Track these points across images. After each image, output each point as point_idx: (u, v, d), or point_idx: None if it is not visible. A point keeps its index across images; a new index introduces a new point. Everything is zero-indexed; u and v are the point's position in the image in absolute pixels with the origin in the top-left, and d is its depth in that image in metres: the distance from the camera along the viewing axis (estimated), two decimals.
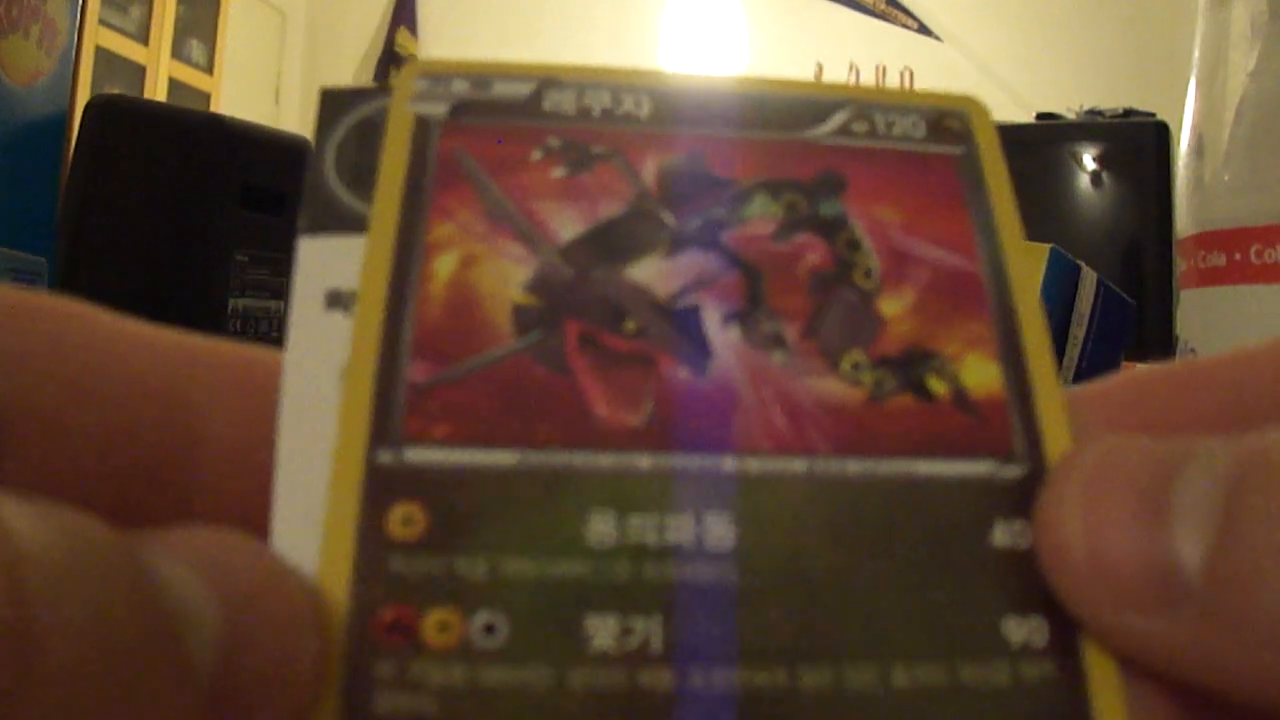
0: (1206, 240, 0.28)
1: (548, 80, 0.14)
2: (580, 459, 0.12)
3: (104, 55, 2.64)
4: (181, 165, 0.53)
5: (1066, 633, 0.12)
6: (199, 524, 0.10)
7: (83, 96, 0.52)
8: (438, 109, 0.14)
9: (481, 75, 0.14)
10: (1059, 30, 3.14)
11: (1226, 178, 0.27)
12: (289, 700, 0.10)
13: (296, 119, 3.29)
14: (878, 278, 0.13)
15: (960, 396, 0.13)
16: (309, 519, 0.11)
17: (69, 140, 0.46)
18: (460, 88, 0.14)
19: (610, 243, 0.13)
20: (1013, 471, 0.12)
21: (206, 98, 3.02)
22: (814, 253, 0.13)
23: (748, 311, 0.13)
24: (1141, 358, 0.59)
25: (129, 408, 0.11)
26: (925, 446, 0.12)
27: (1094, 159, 0.76)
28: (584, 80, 0.14)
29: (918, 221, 0.14)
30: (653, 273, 0.13)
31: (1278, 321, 0.26)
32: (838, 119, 0.14)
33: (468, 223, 0.13)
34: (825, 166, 0.14)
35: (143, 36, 2.83)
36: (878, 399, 0.12)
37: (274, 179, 0.57)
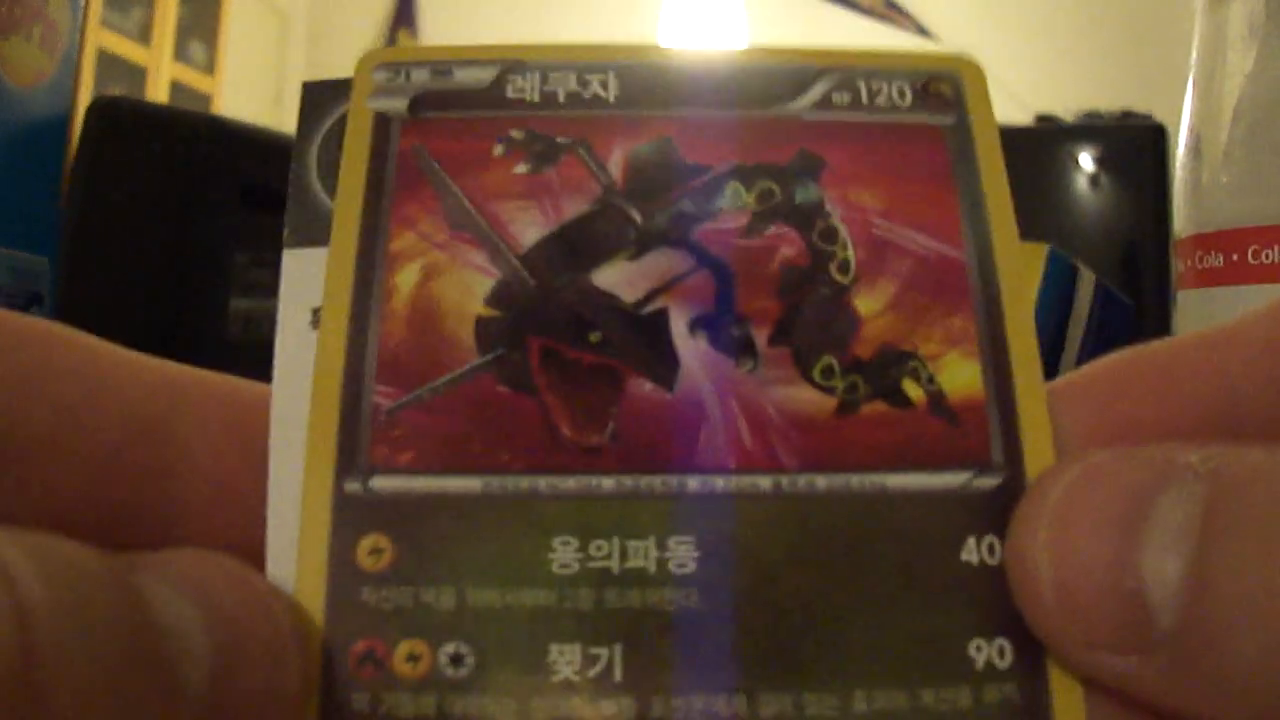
0: (1204, 241, 0.28)
1: (511, 64, 0.14)
2: (544, 483, 0.12)
3: (105, 56, 2.64)
4: (183, 167, 0.53)
5: (1031, 654, 0.11)
6: (185, 547, 0.11)
7: (84, 98, 0.52)
8: (397, 104, 0.13)
9: (442, 62, 0.13)
10: (1057, 32, 3.14)
11: (1224, 179, 0.27)
12: (276, 716, 0.10)
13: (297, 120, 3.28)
14: (854, 271, 0.13)
15: (938, 401, 0.12)
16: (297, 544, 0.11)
17: (71, 141, 0.46)
18: (420, 78, 0.13)
19: (574, 246, 0.13)
20: (989, 482, 0.12)
21: (208, 99, 3.02)
22: (787, 246, 0.13)
23: (716, 315, 0.12)
24: None
25: (116, 436, 0.12)
26: (898, 458, 0.12)
27: (1092, 160, 0.76)
28: (548, 62, 0.13)
29: (900, 205, 0.13)
30: (619, 277, 0.13)
31: None
32: (818, 89, 0.14)
33: (429, 231, 0.13)
34: (803, 146, 0.13)
35: (144, 38, 2.82)
36: (850, 407, 0.12)
37: (275, 179, 0.57)
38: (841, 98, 0.14)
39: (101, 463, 0.11)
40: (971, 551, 0.12)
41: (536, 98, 0.13)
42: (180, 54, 2.94)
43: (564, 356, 0.12)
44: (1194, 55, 0.29)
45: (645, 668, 0.11)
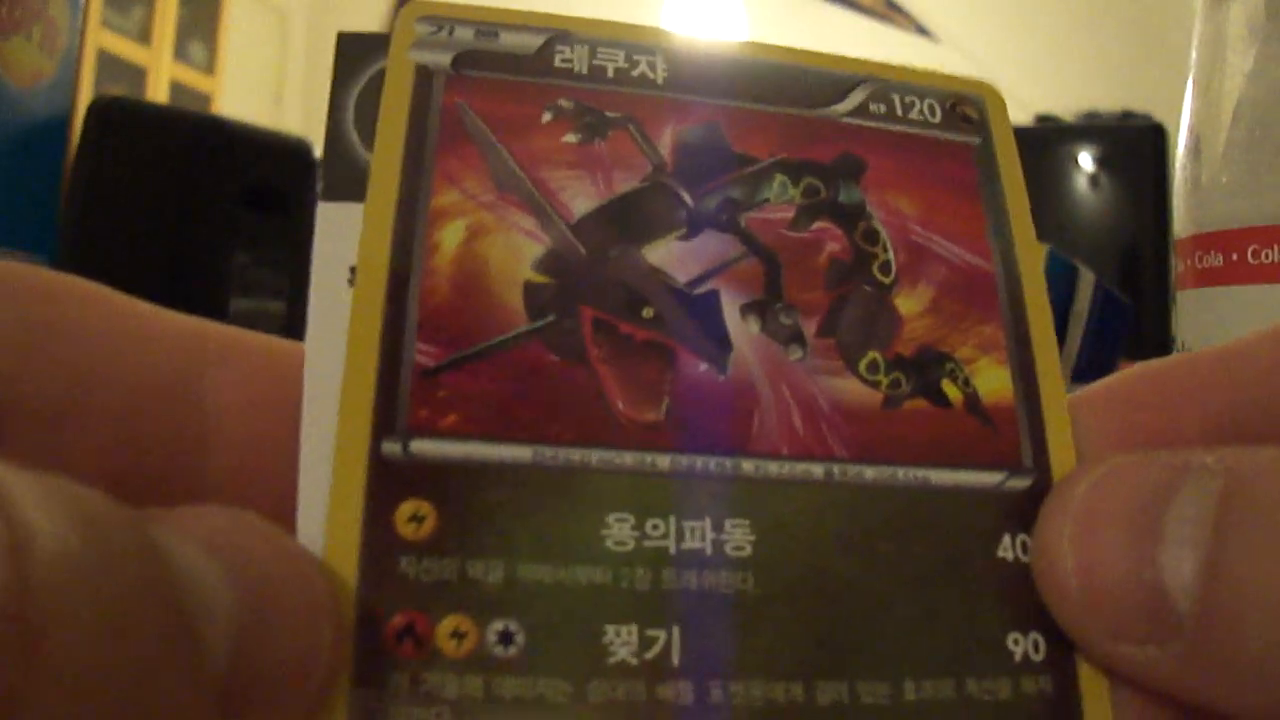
0: (1203, 241, 0.28)
1: (558, 34, 0.13)
2: (597, 456, 0.11)
3: (105, 56, 2.64)
4: (183, 167, 0.53)
5: (1062, 649, 0.12)
6: (211, 504, 0.10)
7: (84, 98, 0.52)
8: (441, 58, 0.13)
9: (487, 23, 0.13)
10: (1057, 32, 3.14)
11: (1224, 179, 0.27)
12: (305, 694, 0.09)
13: (298, 120, 3.28)
14: (894, 273, 0.13)
15: (974, 403, 0.12)
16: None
17: (71, 141, 0.46)
18: (464, 35, 0.13)
19: (626, 220, 0.12)
20: (1021, 483, 0.12)
21: (208, 99, 3.02)
22: (832, 242, 0.13)
23: (766, 302, 0.12)
24: (1139, 358, 0.59)
25: (136, 400, 0.11)
26: (940, 454, 0.12)
27: (1092, 160, 0.76)
28: (596, 37, 0.13)
29: (934, 214, 0.13)
30: (670, 255, 0.12)
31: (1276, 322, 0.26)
32: (856, 97, 0.14)
33: (474, 189, 0.12)
34: (845, 148, 0.13)
35: (144, 38, 2.82)
36: (894, 402, 0.12)
37: (275, 180, 0.57)
38: (878, 107, 0.14)
39: (119, 428, 0.11)
40: (1007, 549, 0.12)
41: (584, 70, 0.13)
42: (180, 54, 2.94)
43: (617, 329, 0.12)
44: (1194, 55, 0.29)
45: (703, 652, 0.11)
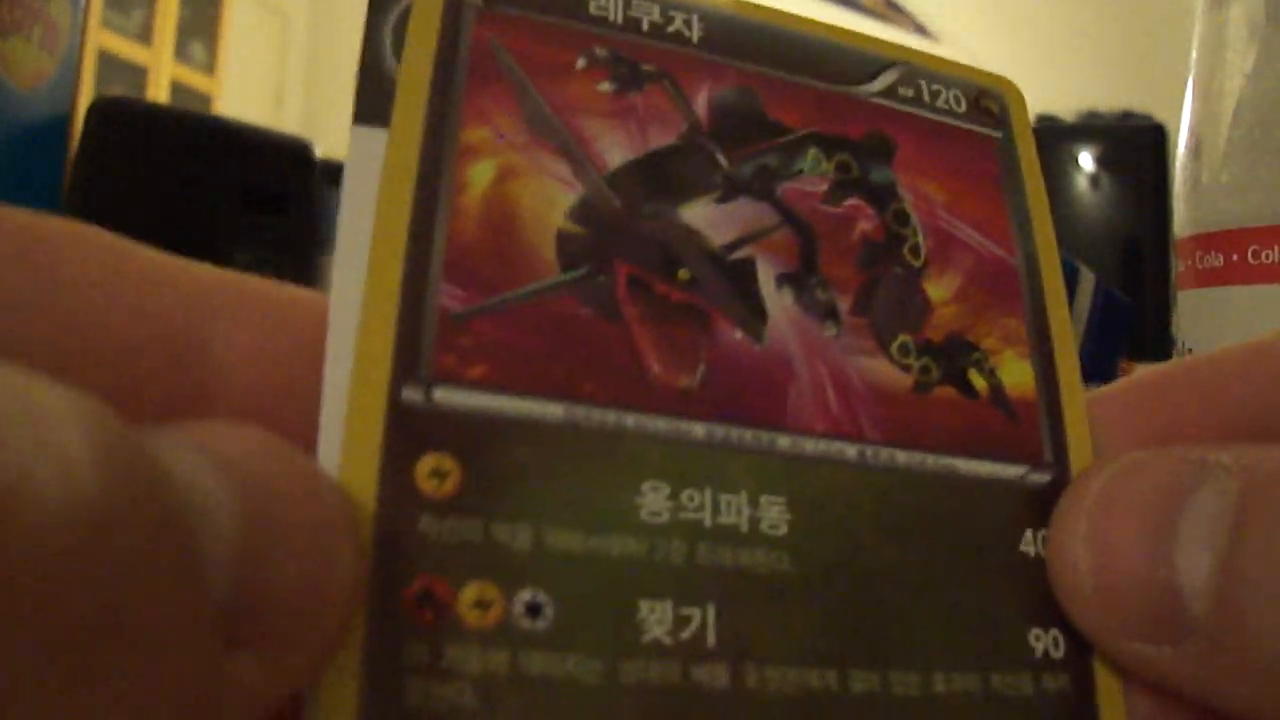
0: (1204, 241, 0.28)
1: None
2: (632, 419, 0.10)
3: (105, 56, 2.64)
4: (183, 167, 0.53)
5: (1081, 646, 0.12)
6: (214, 418, 0.09)
7: (85, 98, 0.52)
8: None
9: None
10: (1057, 32, 3.13)
11: (1224, 179, 0.27)
12: (320, 626, 0.08)
13: (298, 120, 3.28)
14: (924, 256, 0.13)
15: (999, 395, 0.12)
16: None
17: (71, 141, 0.46)
18: None
19: (662, 177, 0.12)
20: (1041, 478, 0.12)
21: (208, 99, 3.02)
22: (865, 220, 0.12)
23: (802, 275, 0.12)
24: (1139, 358, 0.59)
25: (138, 355, 0.10)
26: (966, 444, 0.12)
27: (1092, 160, 0.76)
28: None
29: (960, 203, 0.13)
30: (705, 217, 0.12)
31: (1275, 322, 0.26)
32: (886, 79, 0.13)
33: (506, 130, 0.11)
34: (875, 127, 0.13)
35: (144, 38, 2.82)
36: (924, 388, 0.12)
37: (275, 180, 0.57)
38: (907, 91, 0.14)
39: (119, 377, 0.10)
40: (1029, 543, 0.12)
41: (620, 19, 0.12)
42: (180, 54, 2.94)
43: (652, 288, 0.11)
44: (1194, 55, 0.29)
45: (738, 633, 0.10)
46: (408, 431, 0.10)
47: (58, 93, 0.41)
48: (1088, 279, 0.47)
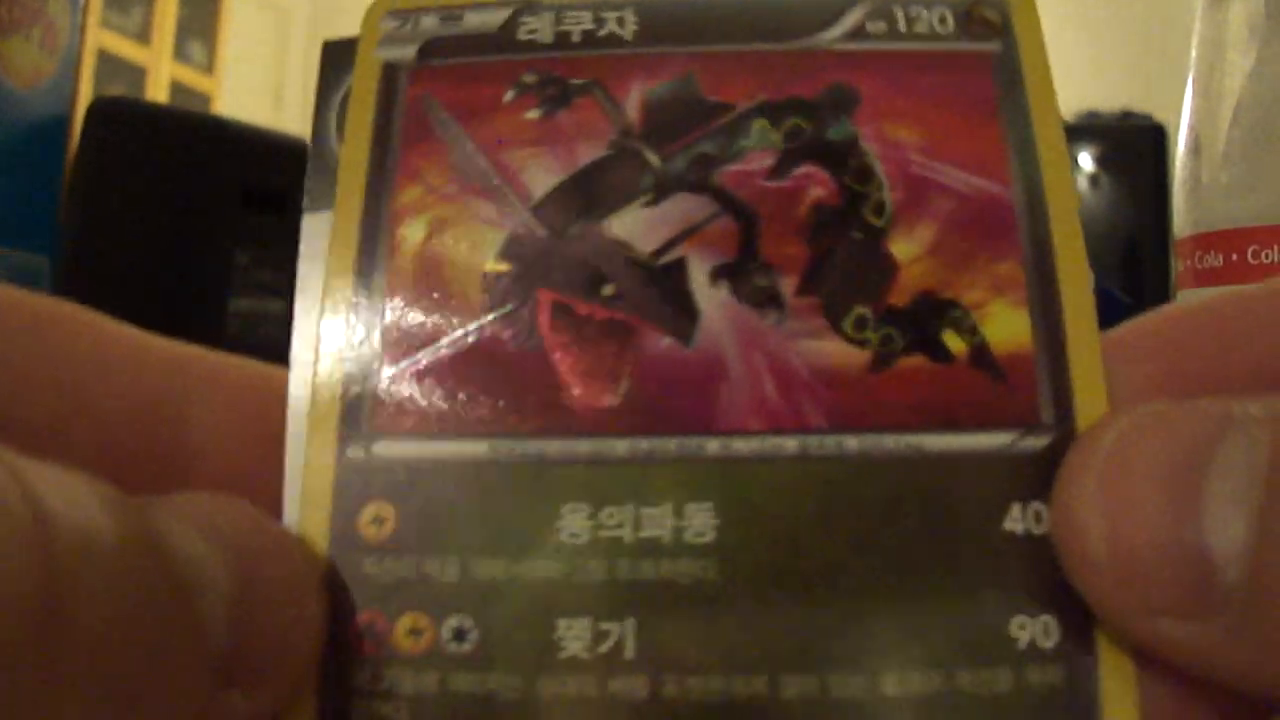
0: (1203, 241, 0.28)
1: (523, 5, 0.13)
2: (554, 446, 0.11)
3: (105, 56, 2.64)
4: (183, 167, 0.53)
5: (1078, 632, 0.11)
6: (200, 490, 0.10)
7: (84, 98, 0.52)
8: (406, 52, 0.13)
9: (452, 7, 0.13)
10: (1056, 31, 3.12)
11: (1224, 179, 0.27)
12: (295, 663, 0.10)
13: (298, 120, 3.28)
14: (890, 213, 0.12)
15: (981, 353, 0.11)
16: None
17: (71, 141, 0.46)
18: (429, 24, 0.13)
19: (588, 193, 0.12)
20: (1037, 442, 0.11)
21: (208, 99, 3.02)
22: (817, 187, 0.12)
23: (739, 264, 0.12)
24: None
25: (125, 421, 0.11)
26: (936, 417, 0.11)
27: (1092, 160, 0.76)
28: (564, 1, 0.13)
29: (941, 140, 0.12)
30: (635, 225, 0.12)
31: None
32: (851, 19, 0.12)
33: (436, 183, 0.12)
34: (835, 79, 0.12)
35: (144, 38, 2.82)
36: (884, 361, 0.11)
37: (275, 180, 0.57)
38: (877, 26, 0.12)
39: (109, 449, 0.11)
40: (1016, 520, 0.11)
41: (549, 38, 0.12)
42: (180, 54, 2.94)
43: (575, 311, 0.11)
44: (1194, 55, 0.29)
45: (659, 645, 0.10)
46: (352, 485, 0.11)
47: (57, 93, 0.41)
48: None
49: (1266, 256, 0.26)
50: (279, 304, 0.55)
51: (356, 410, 0.11)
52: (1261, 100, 0.27)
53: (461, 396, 0.11)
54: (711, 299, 0.11)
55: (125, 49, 2.73)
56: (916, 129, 0.12)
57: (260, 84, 3.26)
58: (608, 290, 0.11)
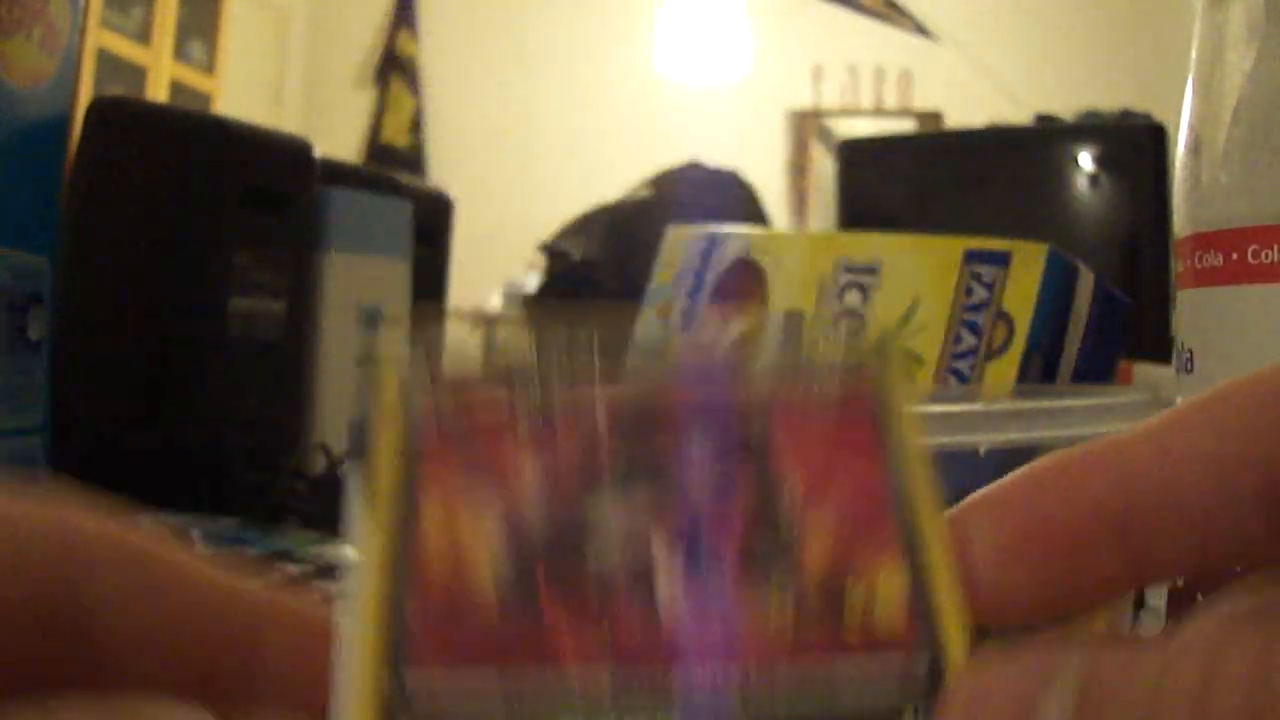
0: (1203, 240, 0.28)
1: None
2: (551, 687, 0.13)
3: (105, 56, 2.64)
4: (182, 167, 0.53)
5: None
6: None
7: (84, 98, 0.52)
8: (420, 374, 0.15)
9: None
10: (1057, 31, 3.14)
11: (1223, 178, 0.28)
12: None
13: (298, 120, 3.29)
14: (798, 504, 0.15)
15: (870, 614, 0.14)
16: None
17: (71, 141, 0.46)
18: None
19: (571, 482, 0.15)
20: (919, 667, 0.13)
21: (208, 99, 3.02)
22: (743, 479, 0.15)
23: (691, 537, 0.14)
24: (1139, 358, 0.59)
25: (212, 649, 0.13)
26: (844, 655, 0.14)
27: (1091, 160, 0.76)
28: None
29: (833, 449, 0.15)
30: (609, 505, 0.15)
31: (1274, 322, 0.26)
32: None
33: (452, 484, 0.14)
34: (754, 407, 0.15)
35: (144, 38, 2.83)
36: (804, 620, 0.14)
37: (274, 180, 0.57)
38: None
39: (199, 675, 0.13)
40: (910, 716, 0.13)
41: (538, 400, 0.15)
42: (180, 54, 2.95)
43: (567, 578, 0.14)
44: (1194, 55, 0.29)
45: None
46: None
47: (57, 92, 0.41)
48: (1087, 278, 0.47)
49: (1266, 256, 0.26)
50: (279, 304, 0.55)
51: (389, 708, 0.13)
52: (1261, 100, 0.27)
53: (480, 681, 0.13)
54: (670, 565, 0.14)
55: (125, 49, 2.74)
56: (815, 437, 0.15)
57: (260, 83, 3.26)
58: (591, 558, 0.14)
